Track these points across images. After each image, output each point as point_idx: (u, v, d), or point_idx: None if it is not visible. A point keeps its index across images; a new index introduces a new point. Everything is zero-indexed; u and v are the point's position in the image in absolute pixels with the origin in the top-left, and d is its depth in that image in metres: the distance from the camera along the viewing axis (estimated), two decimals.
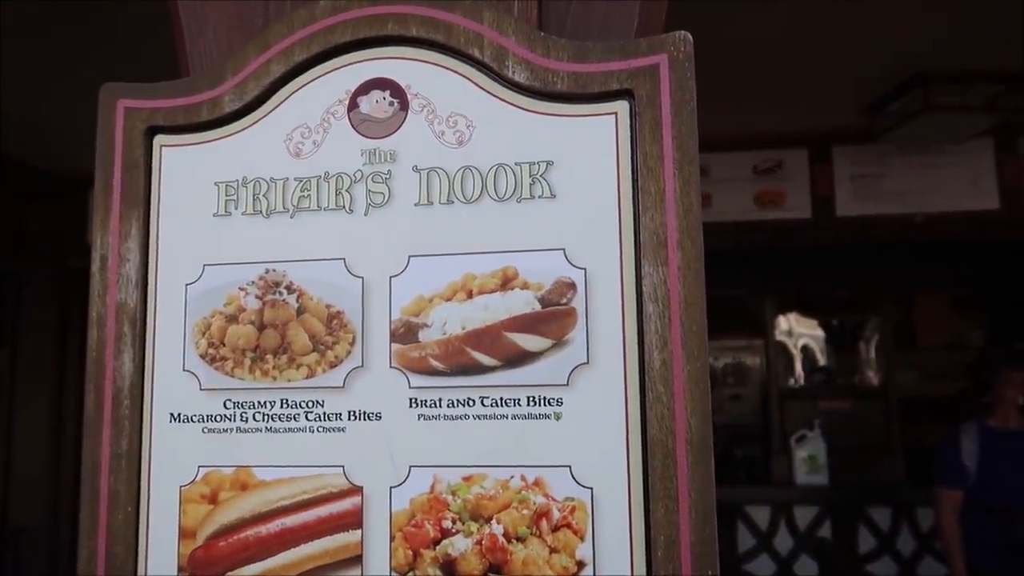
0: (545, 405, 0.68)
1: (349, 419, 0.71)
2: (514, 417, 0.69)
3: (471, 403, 0.69)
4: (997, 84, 3.27)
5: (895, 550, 4.15)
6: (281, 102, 0.78)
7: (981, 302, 5.15)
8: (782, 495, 4.40)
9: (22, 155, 4.51)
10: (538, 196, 0.72)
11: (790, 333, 5.66)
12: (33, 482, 4.80)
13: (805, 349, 5.68)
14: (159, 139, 0.79)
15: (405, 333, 0.71)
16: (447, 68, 0.75)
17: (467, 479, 0.68)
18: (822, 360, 5.60)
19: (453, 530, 0.67)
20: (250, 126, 0.78)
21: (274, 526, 0.70)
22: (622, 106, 0.72)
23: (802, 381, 5.47)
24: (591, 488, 0.66)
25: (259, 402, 0.73)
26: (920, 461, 4.07)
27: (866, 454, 4.72)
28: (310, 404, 0.72)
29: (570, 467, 0.67)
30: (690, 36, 0.72)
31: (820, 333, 5.65)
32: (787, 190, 4.00)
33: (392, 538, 0.68)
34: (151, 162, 0.79)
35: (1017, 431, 3.07)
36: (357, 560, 0.68)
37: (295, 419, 0.72)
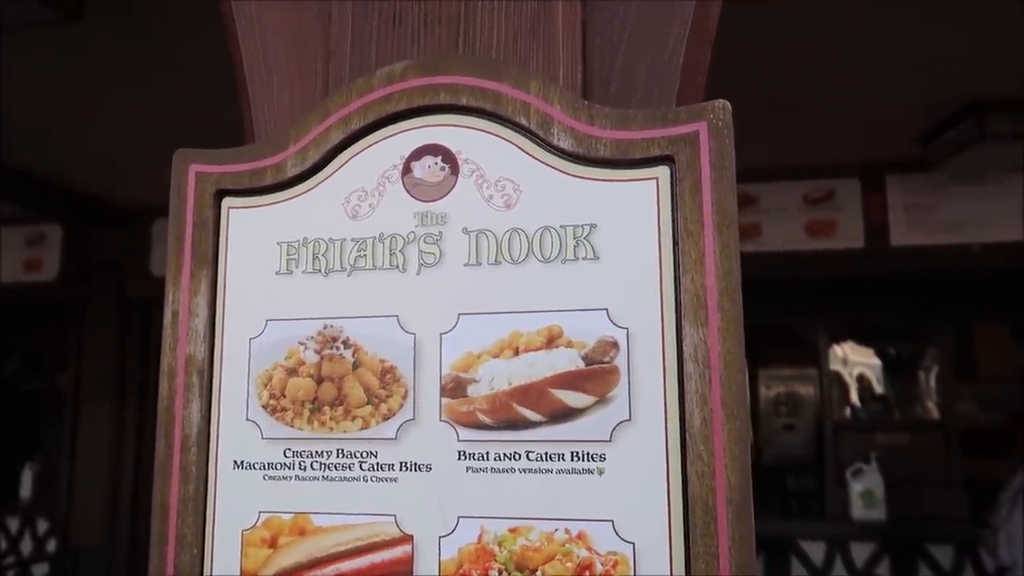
0: (588, 460, 0.71)
1: (401, 470, 0.75)
2: (559, 471, 0.71)
3: (517, 457, 0.72)
4: None
5: None
6: (340, 167, 0.83)
7: None
8: (837, 530, 4.30)
9: (86, 187, 4.73)
10: (582, 258, 0.75)
11: (845, 362, 5.54)
12: (93, 502, 4.97)
13: (861, 378, 5.56)
14: (227, 201, 0.85)
15: (454, 388, 0.75)
16: (496, 135, 0.79)
17: (513, 531, 0.71)
18: (879, 389, 5.47)
19: None
20: (311, 189, 0.83)
21: (330, 571, 0.73)
22: (663, 171, 0.75)
23: (858, 412, 5.34)
24: (633, 543, 0.69)
25: (317, 451, 0.77)
26: (982, 497, 3.94)
27: (925, 489, 4.58)
28: (364, 454, 0.76)
29: (613, 521, 0.69)
30: (728, 104, 0.75)
31: (876, 362, 5.53)
32: (839, 219, 3.97)
33: None
34: (219, 223, 0.84)
35: None
36: None
37: (350, 468, 0.76)
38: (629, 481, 0.70)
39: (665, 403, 0.70)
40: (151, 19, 2.74)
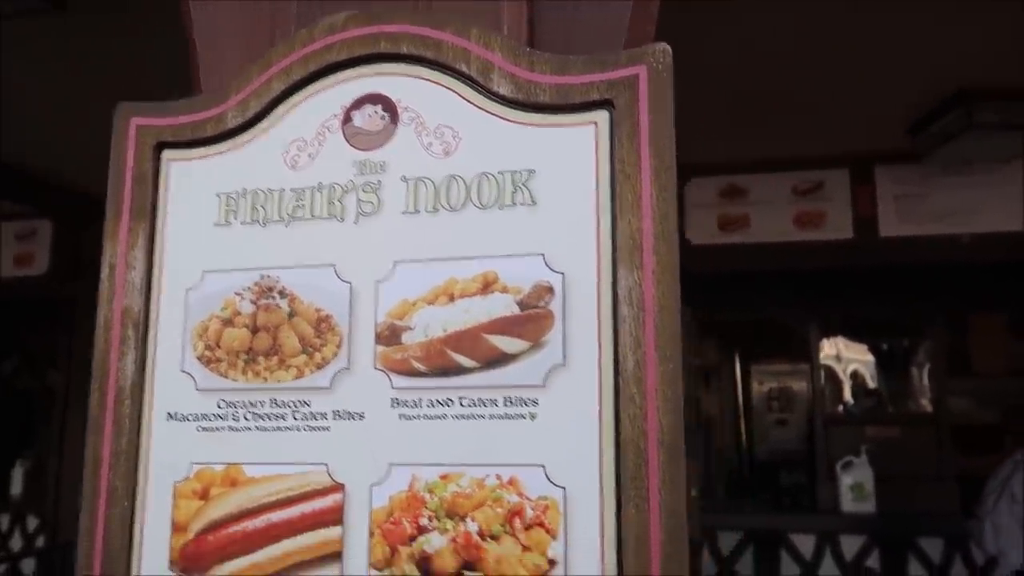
0: (521, 405, 0.70)
1: (333, 418, 0.74)
2: (491, 417, 0.70)
3: (450, 403, 0.71)
4: None
5: None
6: (280, 118, 0.82)
7: None
8: (828, 524, 4.28)
9: (76, 185, 4.70)
10: (520, 203, 0.74)
11: (838, 358, 5.53)
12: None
13: (855, 375, 5.55)
14: (167, 154, 0.84)
15: (389, 336, 0.74)
16: (436, 82, 0.78)
17: (444, 477, 0.70)
18: (872, 384, 5.45)
19: (429, 527, 0.68)
20: (251, 140, 0.82)
21: (260, 522, 0.72)
22: (602, 116, 0.74)
23: (851, 407, 5.33)
24: (564, 487, 0.67)
25: (250, 402, 0.76)
26: (975, 492, 3.93)
27: (916, 483, 4.56)
28: (297, 404, 0.75)
29: (544, 466, 0.68)
30: (669, 48, 0.73)
31: (870, 358, 5.52)
32: (827, 210, 3.95)
33: (371, 535, 0.70)
34: (158, 175, 0.83)
35: None
36: (337, 556, 0.70)
37: (283, 418, 0.75)
38: (562, 425, 0.68)
39: (599, 347, 0.69)
40: (140, 12, 2.73)
